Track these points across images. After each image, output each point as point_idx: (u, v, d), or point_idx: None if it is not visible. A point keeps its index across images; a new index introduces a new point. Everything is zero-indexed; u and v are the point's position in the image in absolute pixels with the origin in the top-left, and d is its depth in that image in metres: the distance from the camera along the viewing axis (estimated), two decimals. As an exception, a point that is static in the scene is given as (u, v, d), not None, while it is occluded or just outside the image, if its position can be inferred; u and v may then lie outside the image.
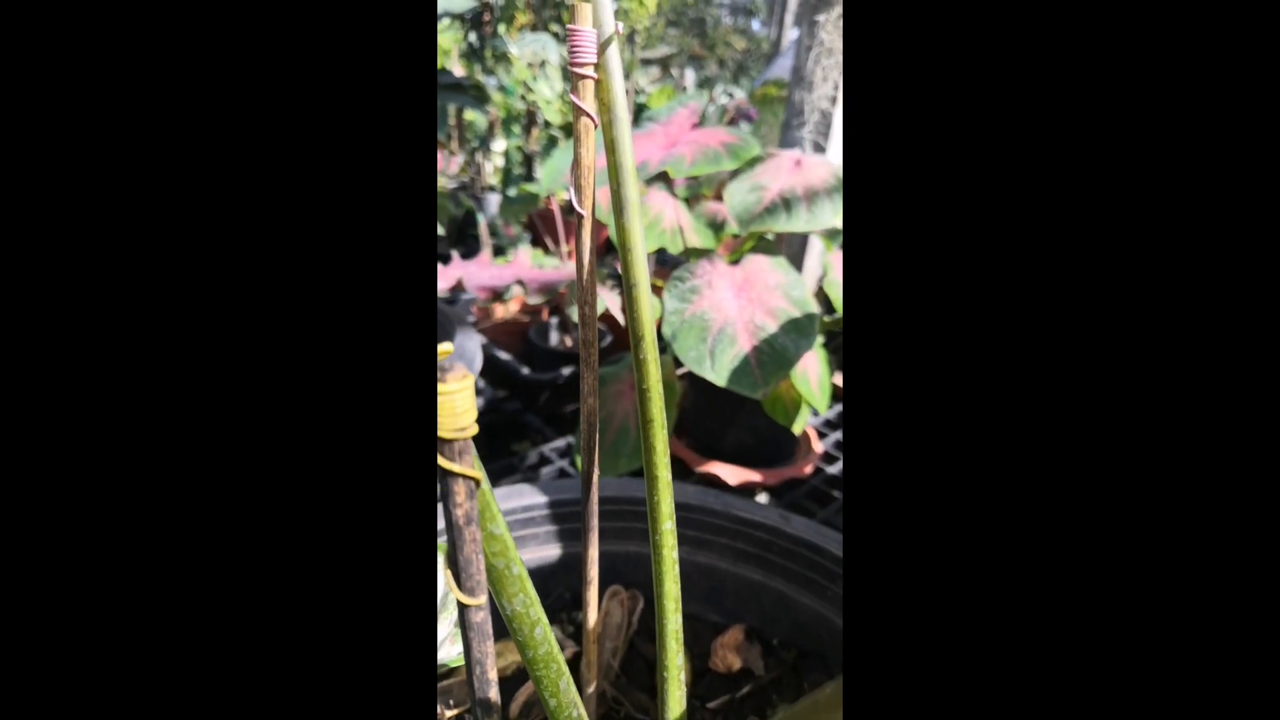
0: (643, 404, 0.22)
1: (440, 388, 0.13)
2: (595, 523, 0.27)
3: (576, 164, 0.20)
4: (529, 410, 0.93)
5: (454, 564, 0.14)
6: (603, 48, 0.19)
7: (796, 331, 0.61)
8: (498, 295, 0.55)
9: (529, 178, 1.94)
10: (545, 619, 0.18)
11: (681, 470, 0.82)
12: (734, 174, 0.69)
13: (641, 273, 0.21)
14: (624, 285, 0.21)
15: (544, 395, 0.93)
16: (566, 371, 0.92)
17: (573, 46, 0.18)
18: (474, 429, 0.13)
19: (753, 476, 0.78)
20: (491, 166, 1.99)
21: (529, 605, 0.17)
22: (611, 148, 0.19)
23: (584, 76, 0.19)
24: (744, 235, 0.69)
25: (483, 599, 0.15)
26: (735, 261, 0.68)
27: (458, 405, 0.13)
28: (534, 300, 0.55)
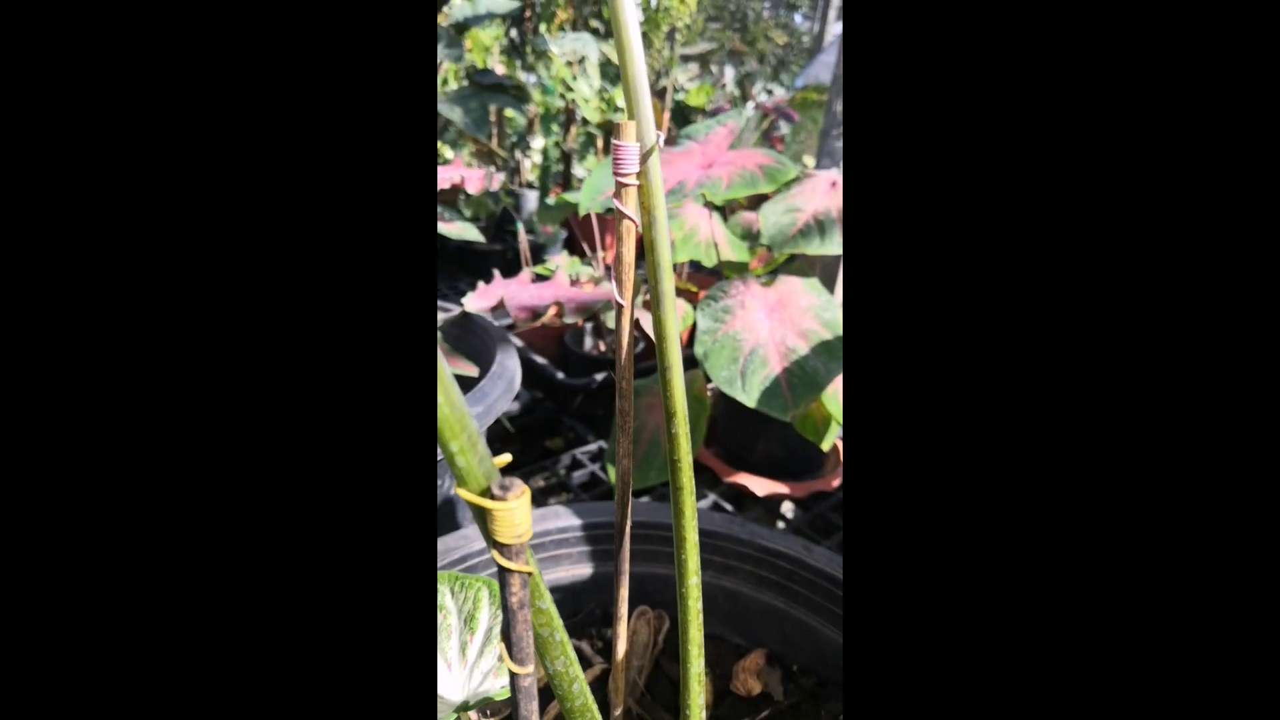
0: (674, 476, 0.23)
1: (502, 505, 0.15)
2: (625, 581, 0.29)
3: (618, 260, 0.22)
4: (563, 412, 0.96)
5: (507, 639, 0.17)
6: (645, 158, 0.20)
7: (827, 354, 0.62)
8: (537, 315, 0.57)
9: (567, 175, 1.96)
10: (582, 676, 0.20)
11: (710, 479, 0.84)
12: (770, 195, 0.70)
13: (675, 357, 0.22)
14: (659, 367, 0.23)
15: (578, 399, 0.96)
16: (600, 377, 0.94)
17: (618, 159, 0.20)
18: (529, 535, 0.15)
19: (780, 488, 0.79)
20: (530, 163, 2.01)
21: (569, 665, 0.19)
22: (651, 247, 0.21)
23: (627, 185, 0.20)
24: (778, 256, 0.70)
25: (530, 668, 0.17)
26: (768, 282, 0.69)
27: (517, 519, 0.15)
28: (570, 319, 0.57)
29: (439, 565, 0.39)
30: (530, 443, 0.98)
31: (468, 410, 0.15)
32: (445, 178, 0.66)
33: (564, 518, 0.43)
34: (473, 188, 0.65)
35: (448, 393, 0.15)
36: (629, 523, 0.28)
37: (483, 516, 0.15)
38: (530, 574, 0.16)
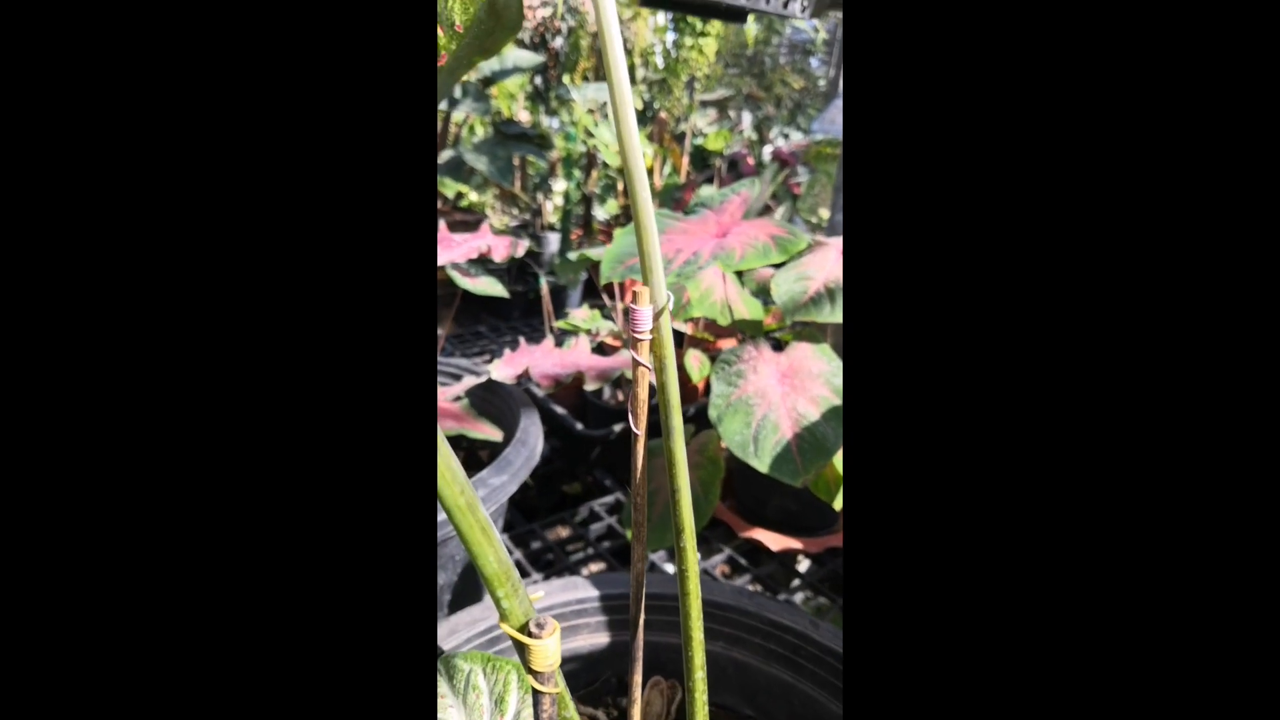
0: (682, 583, 0.26)
1: (538, 642, 0.18)
2: (640, 655, 0.32)
3: (634, 397, 0.25)
4: (581, 463, 0.99)
5: (535, 750, 0.19)
6: (657, 316, 0.24)
7: (836, 420, 0.65)
8: (560, 383, 0.60)
9: (588, 217, 2.02)
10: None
11: (726, 534, 0.86)
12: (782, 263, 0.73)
13: (683, 480, 0.25)
14: (670, 487, 0.26)
15: (596, 450, 0.98)
16: (618, 428, 0.97)
17: (633, 320, 0.23)
18: (558, 662, 0.18)
19: (794, 544, 0.81)
20: (551, 205, 2.08)
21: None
22: (663, 389, 0.24)
23: (641, 341, 0.24)
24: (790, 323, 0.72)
25: (555, 775, 0.20)
26: (779, 348, 0.72)
27: (549, 651, 0.18)
28: (591, 387, 0.60)
29: (466, 636, 0.42)
30: (549, 489, 1.01)
31: (510, 562, 0.18)
32: (473, 246, 0.70)
33: (582, 589, 0.46)
34: (499, 256, 0.69)
35: (496, 549, 0.18)
36: (643, 614, 0.30)
37: (521, 647, 0.18)
38: (559, 694, 0.19)
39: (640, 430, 0.25)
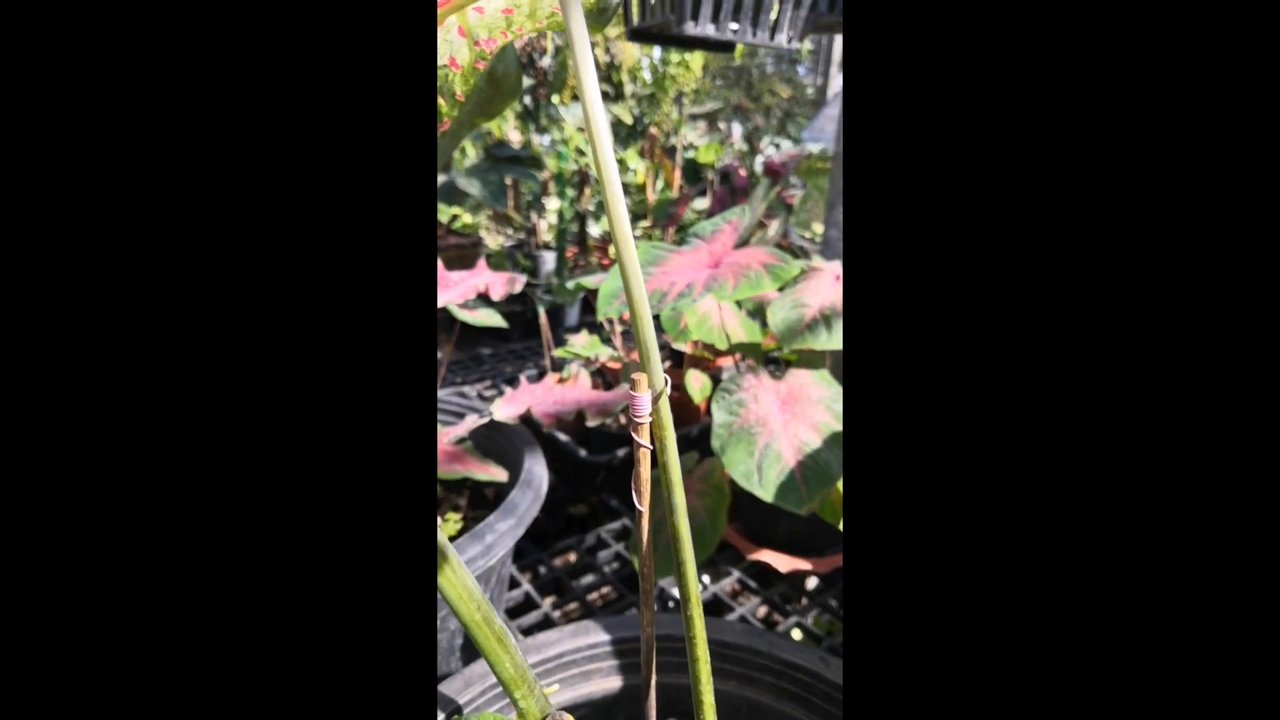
0: (690, 649, 0.27)
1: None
2: (653, 700, 0.32)
3: (636, 476, 0.26)
4: (586, 487, 1.00)
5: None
6: (656, 399, 0.24)
7: (838, 446, 0.65)
8: (561, 421, 0.61)
9: (583, 235, 2.02)
10: None
11: (734, 557, 0.86)
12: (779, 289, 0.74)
13: (688, 554, 0.26)
14: (674, 560, 0.26)
15: (600, 476, 0.99)
16: (621, 453, 0.98)
17: (634, 406, 0.24)
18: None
19: (803, 565, 0.81)
20: (546, 224, 2.09)
21: None
22: (665, 468, 0.25)
23: (641, 425, 0.24)
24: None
25: None
26: (779, 370, 0.72)
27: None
28: (593, 423, 0.61)
29: (480, 689, 0.42)
30: (556, 513, 1.01)
31: (525, 664, 0.19)
32: (470, 286, 0.71)
33: (593, 634, 0.46)
34: (496, 295, 0.70)
35: (511, 654, 0.18)
36: (654, 676, 0.31)
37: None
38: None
39: (644, 507, 0.26)
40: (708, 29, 0.68)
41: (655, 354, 0.24)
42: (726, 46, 0.77)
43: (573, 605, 0.79)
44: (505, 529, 0.52)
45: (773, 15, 0.70)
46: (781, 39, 0.73)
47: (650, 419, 0.24)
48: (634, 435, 0.24)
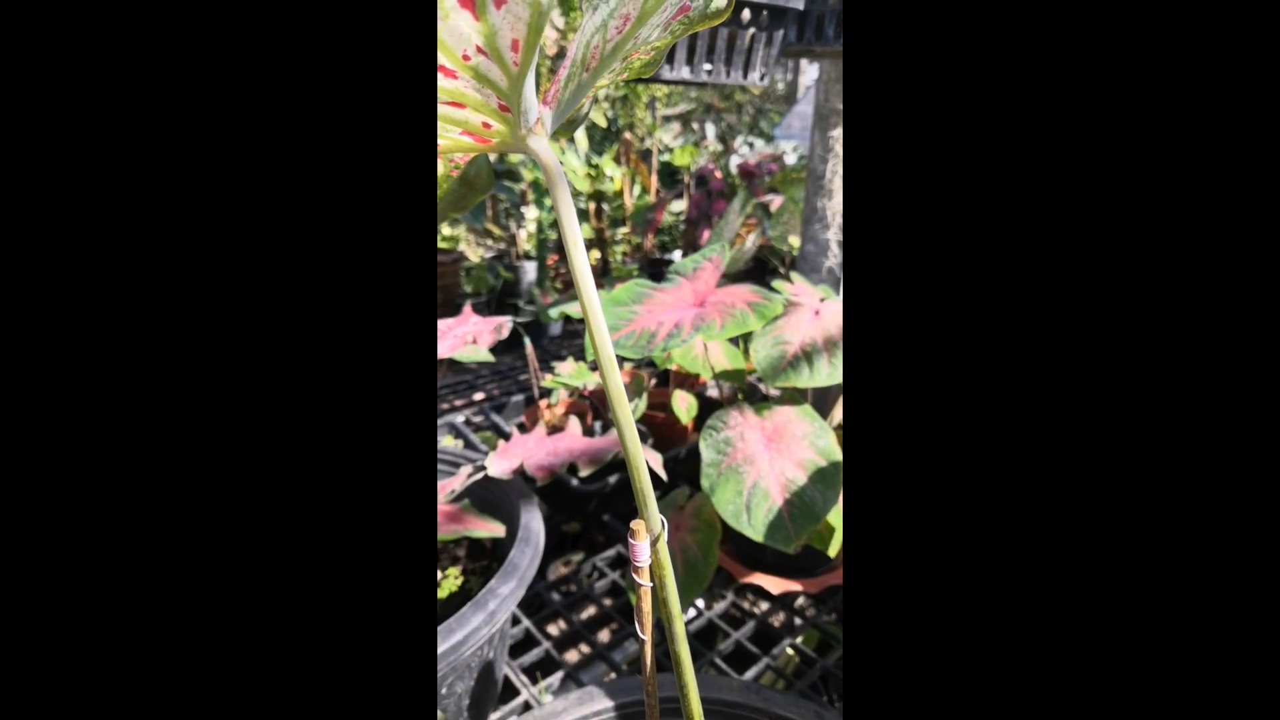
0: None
1: None
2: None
3: (638, 609, 0.27)
4: (578, 513, 1.01)
5: None
6: (655, 542, 0.25)
7: (823, 482, 0.67)
8: (552, 472, 0.62)
9: (561, 245, 2.02)
10: None
11: (726, 580, 0.89)
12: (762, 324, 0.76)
13: (688, 673, 0.27)
14: (678, 690, 0.28)
15: (593, 503, 1.00)
16: (614, 480, 0.99)
17: (633, 551, 0.25)
18: None
19: (794, 586, 0.84)
20: (525, 233, 2.08)
21: None
22: (665, 603, 0.26)
23: (640, 569, 0.26)
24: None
25: None
26: (762, 411, 0.74)
27: None
28: (586, 472, 0.62)
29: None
30: (549, 532, 1.03)
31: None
32: (459, 336, 0.71)
33: (599, 700, 0.48)
34: (484, 344, 0.71)
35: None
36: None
37: None
38: None
39: (646, 636, 0.27)
40: (683, 72, 0.69)
41: (652, 501, 0.25)
42: (699, 85, 0.78)
43: (575, 649, 0.81)
44: (507, 592, 0.53)
45: (744, 55, 0.71)
46: (754, 76, 0.74)
47: (650, 561, 0.26)
48: (635, 576, 0.26)
